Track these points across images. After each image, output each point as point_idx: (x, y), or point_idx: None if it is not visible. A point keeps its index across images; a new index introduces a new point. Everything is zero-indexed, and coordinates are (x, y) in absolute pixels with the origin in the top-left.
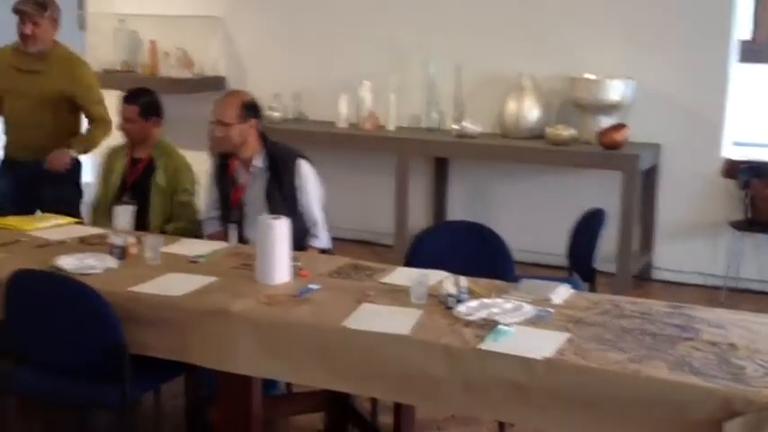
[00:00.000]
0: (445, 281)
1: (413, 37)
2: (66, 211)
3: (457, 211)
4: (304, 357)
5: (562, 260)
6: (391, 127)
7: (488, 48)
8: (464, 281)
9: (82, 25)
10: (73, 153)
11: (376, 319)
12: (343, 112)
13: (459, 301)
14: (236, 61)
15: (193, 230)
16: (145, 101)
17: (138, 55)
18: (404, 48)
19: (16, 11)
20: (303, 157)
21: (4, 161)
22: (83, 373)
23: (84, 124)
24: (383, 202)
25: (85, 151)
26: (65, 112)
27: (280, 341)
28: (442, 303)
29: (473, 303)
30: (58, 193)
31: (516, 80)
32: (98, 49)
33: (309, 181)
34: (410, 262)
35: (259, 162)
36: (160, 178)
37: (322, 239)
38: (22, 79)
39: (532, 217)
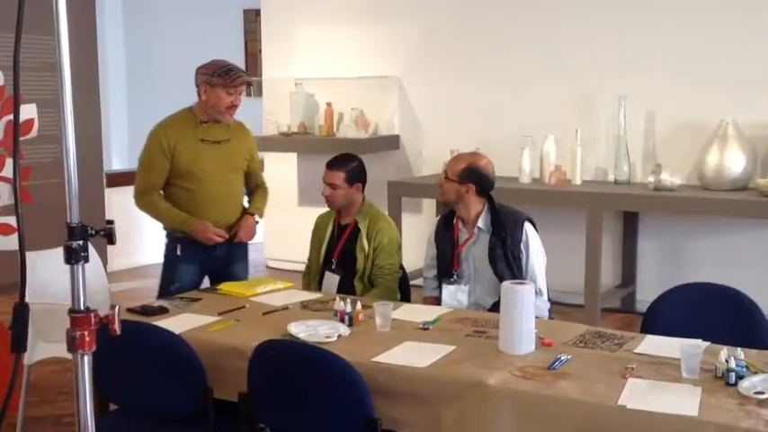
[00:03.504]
0: (720, 353)
1: (599, 85)
2: None
3: (649, 268)
4: None
5: None
6: (578, 181)
7: (684, 93)
8: (740, 353)
9: (250, 92)
10: (257, 220)
11: (652, 396)
12: (526, 167)
13: (740, 376)
14: (412, 119)
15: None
16: (352, 167)
17: (314, 117)
18: (589, 97)
19: (240, 82)
20: (530, 220)
21: (184, 248)
22: None
23: None
24: (568, 259)
25: (261, 217)
26: (240, 182)
27: (543, 419)
28: (719, 379)
29: (756, 379)
30: (239, 268)
31: (717, 127)
32: (275, 113)
33: (535, 245)
34: (648, 328)
35: (482, 223)
36: (364, 243)
37: (539, 307)
38: (213, 152)
39: (742, 273)
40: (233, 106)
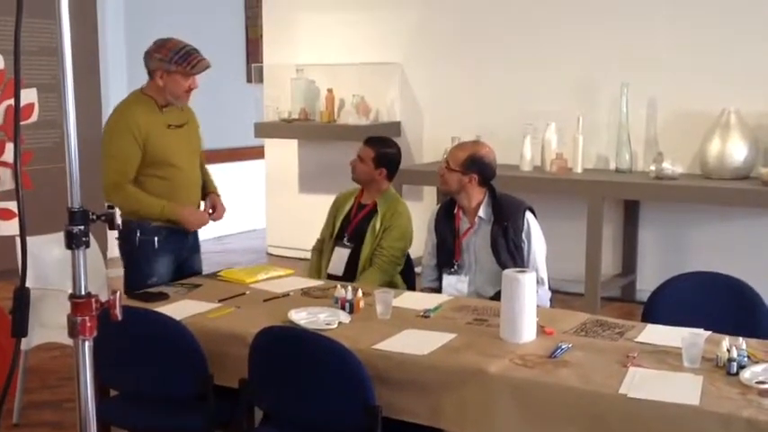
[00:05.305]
0: (722, 342)
1: (601, 73)
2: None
3: (649, 257)
4: (572, 426)
5: None
6: (579, 169)
7: (687, 81)
8: (742, 342)
9: (251, 78)
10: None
11: (653, 385)
12: (527, 155)
13: (741, 366)
14: (413, 106)
15: (384, 280)
16: (384, 151)
17: (315, 104)
18: (591, 85)
19: (201, 68)
20: (530, 209)
21: (161, 239)
22: None
23: None
24: (569, 247)
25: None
26: (198, 164)
27: (543, 407)
28: (720, 368)
29: (757, 368)
30: (198, 259)
31: (719, 116)
32: (275, 99)
33: (536, 234)
34: (649, 317)
35: (483, 213)
36: (377, 224)
37: (540, 295)
38: (178, 136)
39: (743, 263)
40: (189, 89)
